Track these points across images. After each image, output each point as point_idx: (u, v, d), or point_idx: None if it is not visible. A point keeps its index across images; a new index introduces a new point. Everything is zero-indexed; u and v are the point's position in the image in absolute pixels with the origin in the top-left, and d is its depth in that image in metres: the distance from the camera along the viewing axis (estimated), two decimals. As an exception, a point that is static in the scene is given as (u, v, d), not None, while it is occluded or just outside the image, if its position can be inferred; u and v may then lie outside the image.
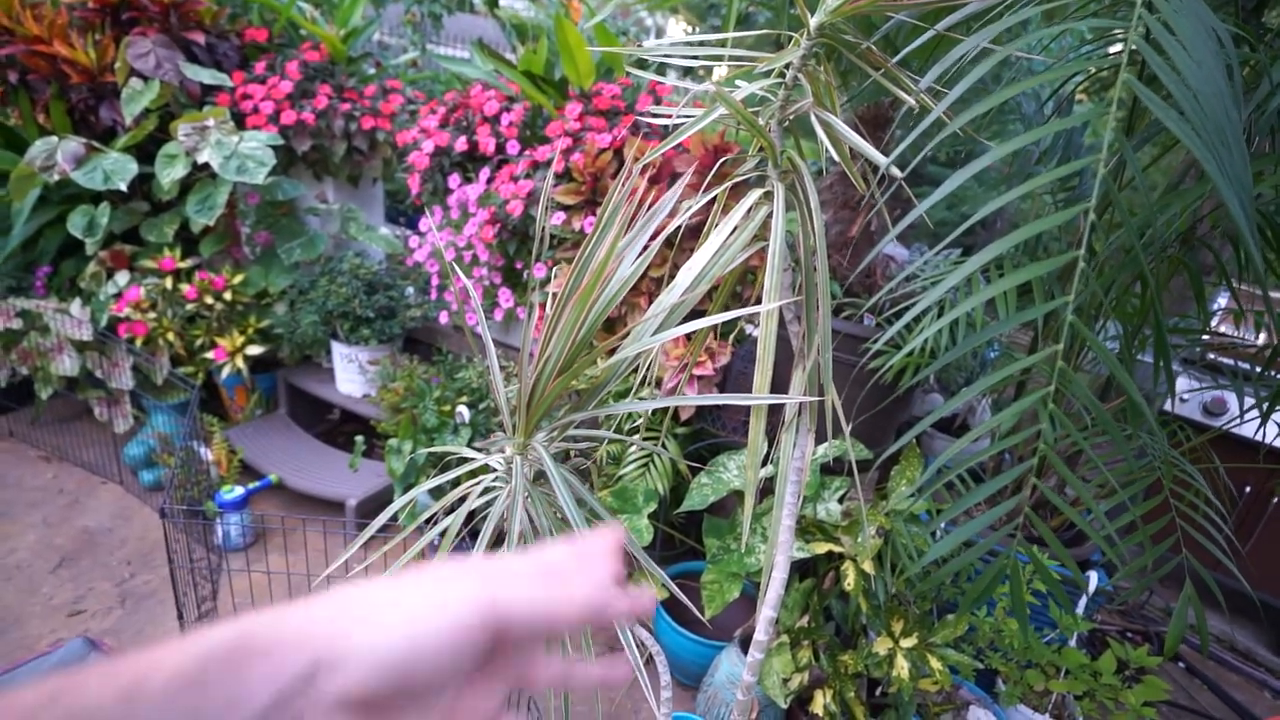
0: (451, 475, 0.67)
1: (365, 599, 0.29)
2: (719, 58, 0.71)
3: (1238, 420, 1.49)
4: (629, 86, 2.15)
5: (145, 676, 0.25)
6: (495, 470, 0.71)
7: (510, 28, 4.35)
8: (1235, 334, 1.98)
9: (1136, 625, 2.40)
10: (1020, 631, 0.91)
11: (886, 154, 1.79)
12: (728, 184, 0.75)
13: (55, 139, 2.16)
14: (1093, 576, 1.73)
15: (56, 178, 2.09)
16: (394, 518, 0.81)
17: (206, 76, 2.33)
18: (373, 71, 2.88)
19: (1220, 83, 0.57)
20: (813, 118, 0.65)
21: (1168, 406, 2.49)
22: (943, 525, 1.75)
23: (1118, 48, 1.18)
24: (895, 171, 0.58)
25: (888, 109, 1.71)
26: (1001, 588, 1.52)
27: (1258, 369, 1.67)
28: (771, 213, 0.71)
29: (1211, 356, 2.26)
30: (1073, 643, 1.62)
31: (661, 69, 2.72)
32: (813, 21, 0.67)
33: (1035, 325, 1.61)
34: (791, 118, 0.69)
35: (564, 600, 0.30)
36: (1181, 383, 2.36)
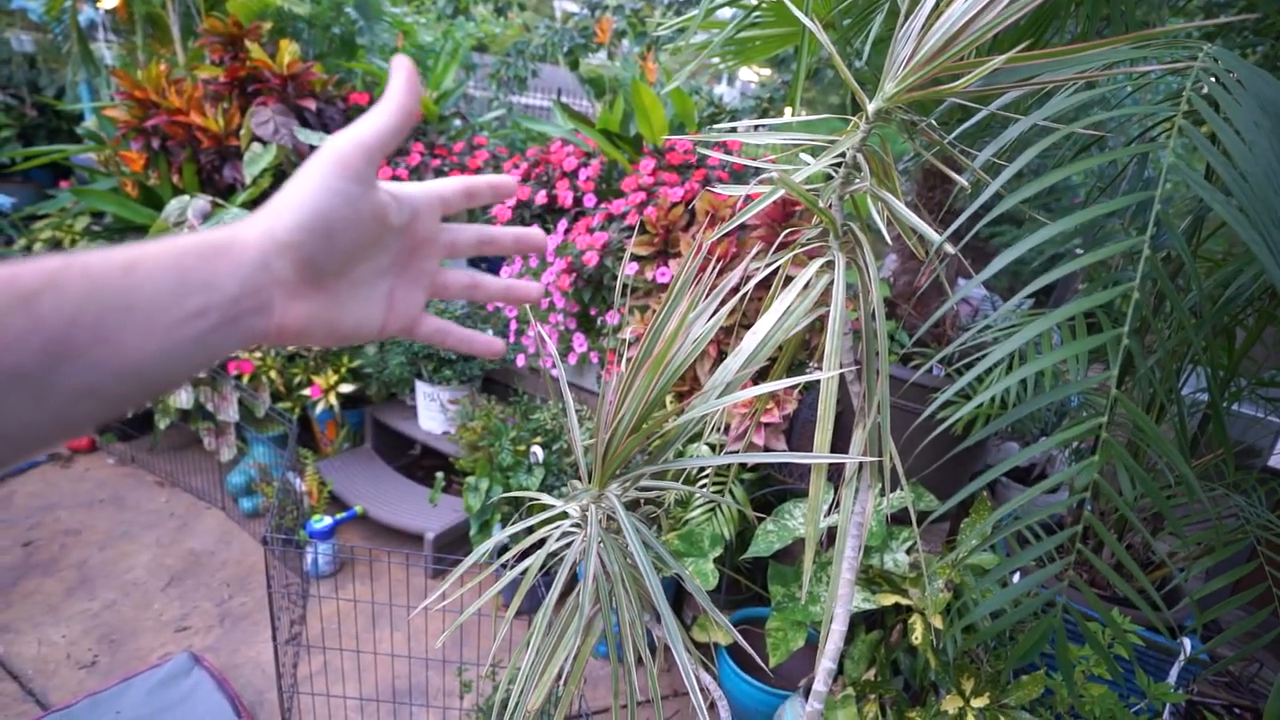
0: (531, 521, 0.74)
1: (284, 194, 0.36)
2: (785, 142, 0.78)
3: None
4: (700, 140, 2.24)
5: (137, 259, 0.29)
6: (571, 516, 0.77)
7: (587, 82, 4.58)
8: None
9: (1244, 700, 2.21)
10: (1068, 690, 0.89)
11: (959, 199, 1.79)
12: (791, 253, 0.81)
13: (187, 197, 2.43)
14: (1185, 643, 1.63)
15: (186, 231, 2.35)
16: (469, 554, 0.89)
17: (316, 140, 2.57)
18: (460, 125, 3.10)
19: (1273, 164, 0.59)
20: (868, 199, 0.70)
21: (1274, 463, 2.34)
22: (1016, 578, 1.70)
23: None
24: (949, 248, 0.62)
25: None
26: (1080, 649, 1.47)
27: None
28: (833, 281, 0.76)
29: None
30: (1166, 716, 1.53)
31: (733, 121, 2.82)
32: (870, 107, 0.73)
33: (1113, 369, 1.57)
34: (851, 195, 0.74)
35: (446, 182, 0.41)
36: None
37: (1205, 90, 0.64)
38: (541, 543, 0.78)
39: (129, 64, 3.53)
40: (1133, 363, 1.38)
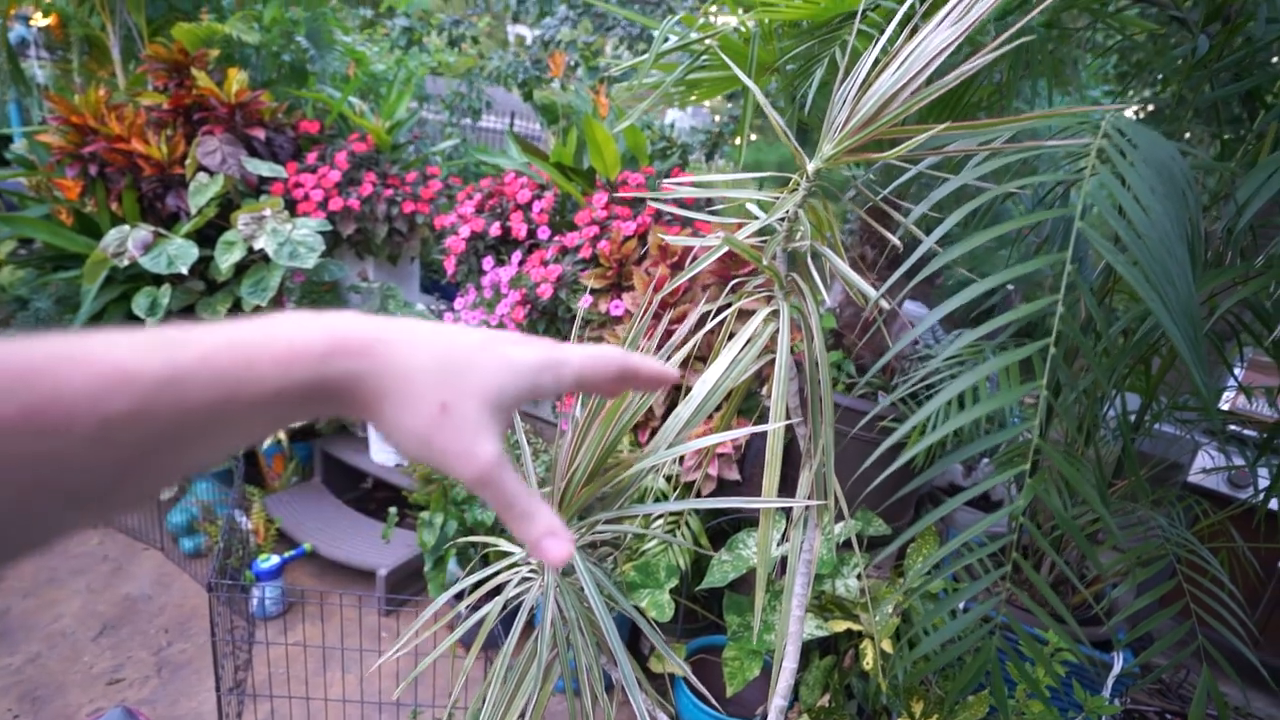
0: (488, 571, 0.75)
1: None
2: (732, 196, 0.81)
3: (1258, 494, 1.51)
4: (652, 176, 2.30)
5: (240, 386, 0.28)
6: (530, 562, 0.78)
7: (540, 109, 4.62)
8: (1249, 408, 1.99)
9: (1174, 706, 2.33)
10: (1000, 710, 0.94)
11: (905, 236, 1.88)
12: (740, 301, 0.85)
13: (127, 227, 2.36)
14: (1117, 656, 1.72)
15: (126, 263, 2.27)
16: (423, 591, 0.89)
17: (265, 170, 2.53)
18: (413, 154, 3.10)
19: (1166, 226, 0.65)
20: (807, 255, 0.74)
21: (1192, 479, 2.49)
22: (964, 604, 1.76)
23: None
24: (885, 303, 0.66)
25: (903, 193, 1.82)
26: (1015, 668, 1.53)
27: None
28: (778, 330, 0.80)
29: (1232, 428, 2.26)
30: (1102, 727, 1.60)
31: (684, 156, 2.89)
32: (810, 167, 0.77)
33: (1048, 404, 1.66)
34: (792, 249, 0.78)
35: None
36: (1202, 458, 2.36)
37: (1108, 159, 0.70)
38: (501, 586, 0.78)
39: (63, 85, 3.42)
40: (1060, 391, 1.47)
